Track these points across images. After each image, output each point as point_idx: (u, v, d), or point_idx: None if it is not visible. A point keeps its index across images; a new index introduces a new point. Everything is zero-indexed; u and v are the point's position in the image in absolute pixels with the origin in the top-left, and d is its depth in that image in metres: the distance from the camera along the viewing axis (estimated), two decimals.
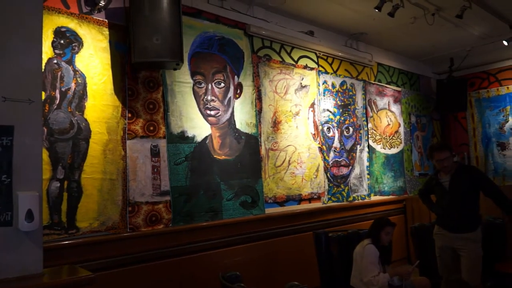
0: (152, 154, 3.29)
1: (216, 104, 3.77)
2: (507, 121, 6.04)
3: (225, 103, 3.84)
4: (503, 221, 3.76)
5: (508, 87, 6.08)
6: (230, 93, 3.89)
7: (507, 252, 3.69)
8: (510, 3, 4.49)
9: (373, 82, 5.62)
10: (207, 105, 3.70)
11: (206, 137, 3.67)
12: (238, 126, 3.91)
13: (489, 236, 3.65)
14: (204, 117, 3.67)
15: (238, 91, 3.97)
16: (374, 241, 3.15)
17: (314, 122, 4.69)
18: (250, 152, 3.97)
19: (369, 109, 5.48)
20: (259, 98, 4.14)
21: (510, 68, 6.07)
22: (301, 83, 4.60)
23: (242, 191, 3.86)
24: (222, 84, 3.84)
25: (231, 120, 3.87)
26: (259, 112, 4.12)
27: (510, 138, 6.00)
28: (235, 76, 3.96)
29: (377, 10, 3.98)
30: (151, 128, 3.32)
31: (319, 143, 4.70)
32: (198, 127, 3.61)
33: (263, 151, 4.10)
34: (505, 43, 5.20)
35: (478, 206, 3.29)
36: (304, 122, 4.57)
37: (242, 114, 3.97)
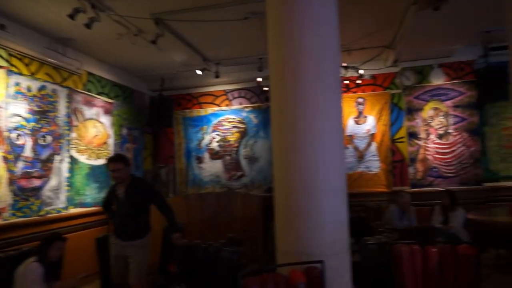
0: None
1: None
2: (204, 139, 7.10)
3: None
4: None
5: (206, 110, 7.16)
6: None
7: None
8: (200, 39, 5.28)
9: (81, 91, 5.47)
10: None
11: None
12: None
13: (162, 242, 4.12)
14: None
15: None
16: (41, 258, 2.99)
17: None
18: None
19: (74, 118, 5.28)
20: None
21: (207, 93, 7.18)
22: None
23: None
24: None
25: None
26: None
27: (205, 153, 7.07)
28: None
29: (71, 19, 3.89)
30: None
31: (3, 152, 4.15)
32: None
33: None
34: (199, 72, 6.10)
35: (148, 216, 3.63)
36: None
37: None
